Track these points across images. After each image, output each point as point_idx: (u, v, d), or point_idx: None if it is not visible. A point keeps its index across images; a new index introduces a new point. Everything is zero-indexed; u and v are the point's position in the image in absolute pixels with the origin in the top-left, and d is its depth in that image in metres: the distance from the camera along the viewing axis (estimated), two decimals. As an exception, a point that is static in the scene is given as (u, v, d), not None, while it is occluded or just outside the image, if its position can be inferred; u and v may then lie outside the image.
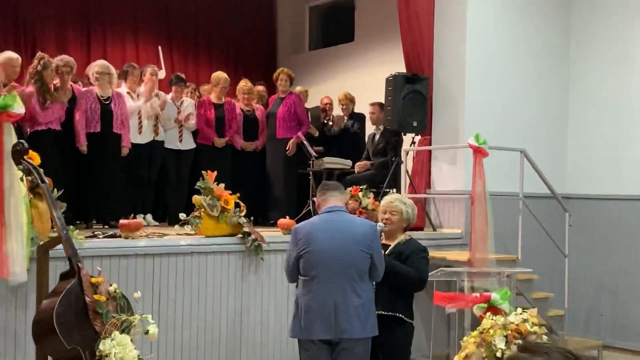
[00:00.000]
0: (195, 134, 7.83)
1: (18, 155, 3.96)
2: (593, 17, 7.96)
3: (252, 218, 5.90)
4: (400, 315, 4.30)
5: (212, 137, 7.75)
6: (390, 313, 4.26)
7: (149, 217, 7.43)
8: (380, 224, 4.46)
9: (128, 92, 7.28)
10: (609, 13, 7.82)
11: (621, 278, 7.57)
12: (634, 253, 7.48)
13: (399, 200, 4.53)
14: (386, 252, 4.35)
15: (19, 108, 4.09)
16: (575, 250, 7.49)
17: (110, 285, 3.83)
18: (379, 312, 4.21)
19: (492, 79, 7.49)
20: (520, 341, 4.74)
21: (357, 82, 9.80)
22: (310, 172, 7.90)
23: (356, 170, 7.83)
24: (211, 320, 5.58)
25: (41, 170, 4.06)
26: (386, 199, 4.63)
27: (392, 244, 4.44)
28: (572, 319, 7.54)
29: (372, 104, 8.06)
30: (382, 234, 4.50)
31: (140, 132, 7.22)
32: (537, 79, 7.89)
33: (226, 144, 7.83)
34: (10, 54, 6.33)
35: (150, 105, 7.28)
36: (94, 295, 3.69)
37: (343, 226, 4.06)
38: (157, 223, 7.43)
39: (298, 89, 8.82)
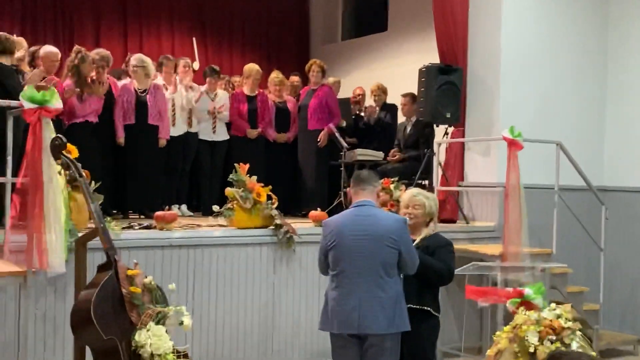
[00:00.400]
0: (228, 125, 7.90)
1: (57, 149, 4.04)
2: (632, 10, 7.79)
3: (283, 210, 5.94)
4: (429, 308, 4.31)
5: (245, 128, 7.81)
6: (419, 306, 4.27)
7: (184, 207, 7.53)
8: (404, 217, 4.45)
9: (164, 84, 7.36)
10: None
11: (658, 272, 7.47)
12: (670, 247, 7.37)
13: (421, 195, 4.51)
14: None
15: (57, 103, 4.16)
16: (611, 243, 7.39)
17: (146, 277, 3.89)
18: (408, 305, 4.21)
19: (527, 70, 7.40)
20: (553, 337, 4.73)
21: (390, 72, 9.75)
22: (342, 164, 7.90)
23: (388, 159, 7.83)
24: (244, 311, 5.65)
25: (79, 164, 4.14)
26: (408, 193, 4.61)
27: (418, 239, 4.41)
28: (607, 313, 7.46)
29: (404, 95, 8.02)
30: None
31: (173, 124, 7.31)
32: (574, 71, 7.77)
33: (259, 136, 7.88)
34: (50, 49, 6.44)
35: (185, 99, 7.36)
36: (130, 287, 3.77)
37: (368, 221, 4.06)
38: (191, 213, 7.54)
39: (331, 80, 8.81)
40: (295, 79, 8.92)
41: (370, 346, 3.99)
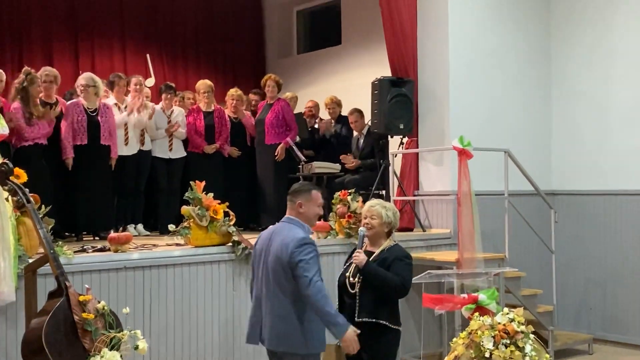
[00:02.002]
0: (185, 142, 7.89)
1: (3, 175, 4.01)
2: (572, 15, 8.03)
3: (243, 226, 5.92)
4: (385, 322, 4.30)
5: (202, 145, 7.81)
6: (375, 320, 4.26)
7: (140, 227, 7.49)
8: (362, 229, 4.49)
9: (116, 103, 7.32)
10: (588, 11, 7.90)
11: (609, 271, 7.66)
12: (619, 246, 7.57)
13: (379, 205, 4.51)
14: (370, 259, 4.38)
15: (3, 129, 4.13)
16: (562, 246, 7.59)
17: (99, 302, 3.88)
18: (363, 319, 4.25)
19: (475, 80, 7.56)
20: (507, 340, 4.82)
21: (346, 84, 9.86)
22: (300, 177, 7.96)
23: (341, 159, 7.91)
24: (203, 330, 5.63)
25: (26, 190, 4.11)
26: (367, 204, 4.61)
27: (377, 251, 4.44)
28: (561, 314, 7.64)
29: (351, 112, 8.14)
30: (366, 239, 4.53)
31: (126, 144, 7.26)
32: (520, 79, 7.97)
33: (216, 151, 7.88)
34: None
35: (137, 119, 7.32)
36: (82, 313, 3.75)
37: (273, 238, 4.14)
38: (148, 233, 7.50)
39: (288, 94, 8.88)
40: (253, 97, 8.95)
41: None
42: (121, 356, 3.72)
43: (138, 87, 7.49)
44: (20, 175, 4.46)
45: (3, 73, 6.46)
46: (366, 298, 4.27)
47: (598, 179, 7.75)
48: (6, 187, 4.07)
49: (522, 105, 7.97)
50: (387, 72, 7.71)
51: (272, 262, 4.03)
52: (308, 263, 3.93)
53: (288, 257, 3.94)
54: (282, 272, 3.98)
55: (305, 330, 3.98)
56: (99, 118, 6.84)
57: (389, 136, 7.63)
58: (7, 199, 4.16)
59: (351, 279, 4.36)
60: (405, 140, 7.68)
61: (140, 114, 7.35)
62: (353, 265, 4.39)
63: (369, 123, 7.72)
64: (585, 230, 7.84)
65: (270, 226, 4.37)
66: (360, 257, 4.31)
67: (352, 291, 4.33)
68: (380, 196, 7.49)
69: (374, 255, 4.42)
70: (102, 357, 3.65)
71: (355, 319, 4.27)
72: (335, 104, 8.78)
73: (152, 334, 5.22)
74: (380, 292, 4.30)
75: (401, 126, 7.34)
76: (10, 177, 4.08)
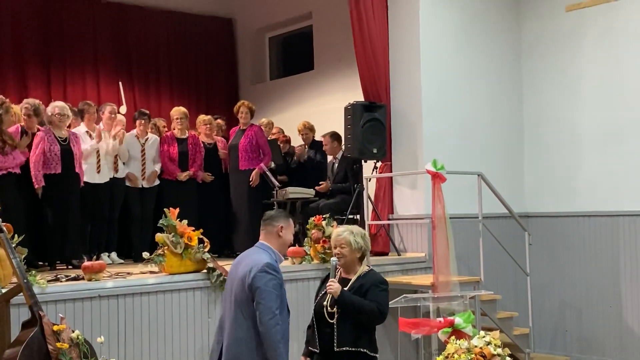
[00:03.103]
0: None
1: (-25, 205, 3.96)
2: (542, 40, 8.20)
3: (218, 252, 5.88)
4: (365, 350, 4.28)
5: (175, 172, 7.78)
6: (354, 349, 4.24)
7: (114, 255, 7.42)
8: (333, 259, 4.47)
9: (87, 131, 7.27)
10: (558, 35, 8.07)
11: (583, 293, 7.74)
12: (593, 267, 7.66)
13: (346, 231, 4.47)
14: (347, 287, 4.37)
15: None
16: (536, 268, 7.66)
17: (73, 331, 3.83)
18: (343, 348, 4.23)
19: (447, 104, 7.66)
20: (484, 363, 4.84)
21: (319, 109, 9.92)
22: (275, 202, 7.96)
23: (317, 188, 7.93)
24: (178, 358, 5.56)
25: (-1, 219, 4.07)
26: (334, 232, 4.59)
27: (353, 278, 4.42)
28: (538, 336, 7.68)
29: (324, 136, 8.20)
30: (339, 268, 4.50)
31: (98, 172, 7.21)
32: (492, 103, 8.10)
33: (190, 178, 7.86)
34: None
35: (108, 147, 7.26)
36: (57, 343, 3.70)
37: (242, 262, 4.18)
38: (122, 261, 7.43)
39: (264, 120, 8.92)
40: (220, 122, 8.96)
41: None
42: (96, 386, 3.67)
43: (112, 115, 7.45)
44: (-7, 205, 4.41)
45: None
46: (345, 327, 4.26)
47: (570, 201, 7.86)
48: (-22, 217, 4.02)
49: (495, 128, 8.09)
50: (360, 97, 7.78)
51: (236, 285, 4.07)
52: (268, 290, 3.95)
53: (250, 281, 3.97)
54: (243, 294, 4.01)
55: (260, 354, 3.97)
56: (71, 146, 6.79)
57: (363, 160, 7.68)
58: (-21, 229, 4.11)
59: (329, 308, 4.33)
60: (379, 164, 7.73)
61: (111, 140, 7.29)
62: (330, 295, 4.36)
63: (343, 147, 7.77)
64: (559, 252, 7.93)
65: (244, 251, 4.38)
66: (334, 287, 4.29)
67: (331, 321, 4.31)
68: (354, 221, 7.53)
69: (350, 283, 4.40)
70: (77, 387, 3.60)
71: (335, 348, 4.26)
72: (308, 129, 8.84)
73: (127, 363, 5.15)
74: (358, 321, 4.28)
75: (374, 150, 7.40)
76: (-18, 207, 4.02)
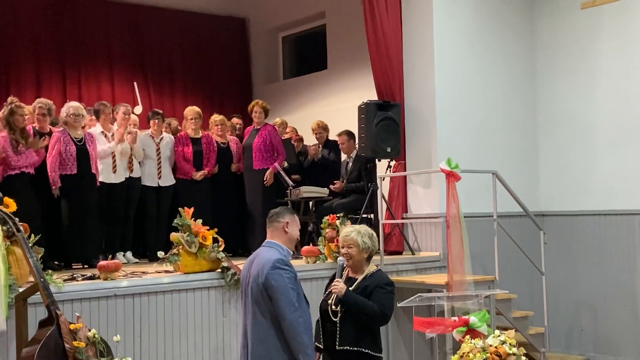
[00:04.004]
0: (174, 169, 7.89)
1: (-8, 205, 4.00)
2: (556, 39, 8.16)
3: (232, 251, 5.90)
4: (367, 350, 4.28)
5: (190, 172, 7.81)
6: (356, 349, 4.25)
7: (129, 254, 7.46)
8: (340, 258, 4.49)
9: (102, 132, 7.31)
10: (572, 32, 8.02)
11: (599, 292, 7.69)
12: (608, 266, 7.61)
13: (354, 232, 4.48)
14: (352, 287, 4.37)
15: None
16: (552, 267, 7.62)
17: (89, 330, 3.86)
18: (345, 347, 4.24)
19: (461, 102, 7.63)
20: (499, 362, 4.82)
21: (332, 108, 9.93)
22: (289, 202, 7.97)
23: (331, 187, 7.93)
24: (193, 356, 5.58)
25: (16, 219, 4.10)
26: (342, 232, 4.60)
27: (359, 278, 4.43)
28: (553, 336, 7.63)
29: (340, 135, 8.19)
30: (346, 267, 4.50)
31: (114, 172, 7.24)
32: (506, 101, 8.06)
33: (204, 178, 7.89)
34: None
35: (123, 147, 7.30)
36: (73, 342, 3.73)
37: (254, 261, 4.20)
38: (137, 260, 7.46)
39: (277, 120, 8.93)
40: (237, 121, 8.99)
41: None
42: (112, 384, 3.70)
43: (126, 115, 7.49)
44: (10, 205, 4.45)
45: None
46: (347, 326, 4.27)
47: (586, 199, 7.81)
48: (-5, 217, 4.06)
49: (509, 126, 8.05)
50: (373, 96, 7.77)
51: (251, 286, 4.08)
52: (284, 285, 3.97)
53: (264, 279, 3.99)
54: (259, 294, 4.02)
55: (286, 352, 3.99)
56: (87, 146, 6.84)
57: (377, 159, 7.67)
58: (-4, 228, 4.15)
59: (333, 307, 4.35)
60: (392, 163, 7.72)
61: (126, 142, 7.32)
62: (335, 294, 4.37)
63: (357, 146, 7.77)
64: (574, 251, 7.88)
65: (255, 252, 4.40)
66: (339, 287, 4.31)
67: (334, 319, 4.32)
68: (368, 220, 7.52)
69: (356, 283, 4.41)
70: (93, 385, 3.63)
71: (337, 347, 4.27)
72: (322, 128, 8.84)
73: (143, 361, 5.18)
74: (361, 321, 4.28)
75: (388, 149, 7.39)
76: (0, 206, 4.06)
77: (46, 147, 6.66)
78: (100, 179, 7.08)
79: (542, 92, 8.29)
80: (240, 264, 5.93)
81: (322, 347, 4.40)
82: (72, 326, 3.79)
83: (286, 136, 8.90)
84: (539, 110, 8.31)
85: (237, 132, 8.83)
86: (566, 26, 8.08)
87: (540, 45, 8.31)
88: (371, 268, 4.47)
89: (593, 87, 7.82)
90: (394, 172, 7.68)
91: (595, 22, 7.80)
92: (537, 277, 7.28)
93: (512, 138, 8.06)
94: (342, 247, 4.49)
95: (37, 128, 6.72)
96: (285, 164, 8.30)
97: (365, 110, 7.39)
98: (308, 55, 11.61)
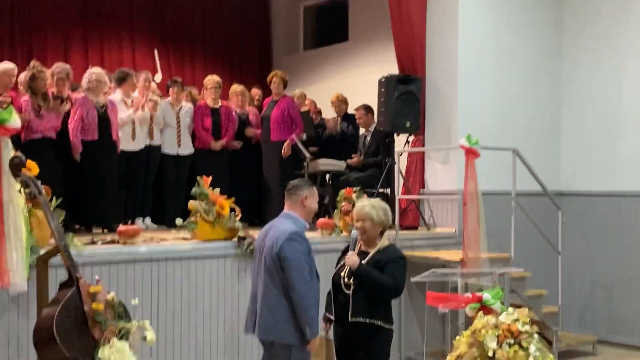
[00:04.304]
0: (193, 138, 7.92)
1: (16, 168, 4.05)
2: (584, 15, 8.03)
3: (248, 221, 5.95)
4: (379, 322, 4.31)
5: (209, 141, 7.84)
6: (368, 321, 4.28)
7: (148, 220, 7.54)
8: (354, 231, 4.50)
9: (122, 99, 7.34)
10: (600, 10, 7.90)
11: (615, 273, 7.67)
12: (627, 248, 7.58)
13: (368, 206, 4.48)
14: (365, 260, 4.39)
15: (15, 122, 4.16)
16: (568, 246, 7.59)
17: (108, 293, 3.91)
18: (357, 319, 4.28)
19: (484, 78, 7.57)
20: (511, 340, 4.85)
21: (353, 82, 9.87)
22: (305, 174, 7.98)
23: (348, 162, 7.93)
24: (208, 322, 5.67)
25: (38, 182, 4.15)
26: (357, 206, 4.59)
27: (371, 252, 4.44)
28: (566, 315, 7.64)
29: (357, 109, 8.16)
30: (359, 240, 4.51)
31: (133, 139, 7.28)
32: (530, 78, 7.97)
33: (223, 148, 7.91)
34: (5, 65, 6.44)
35: (142, 115, 7.32)
36: (93, 304, 3.78)
37: (269, 233, 4.22)
38: (156, 226, 7.54)
39: (296, 92, 8.90)
40: (256, 91, 8.98)
41: (268, 352, 4.21)
42: (130, 346, 3.76)
43: (147, 83, 7.51)
44: (32, 168, 4.49)
45: (15, 68, 6.51)
46: (360, 299, 4.29)
47: (607, 180, 7.75)
48: (18, 179, 4.11)
49: (532, 104, 7.97)
50: (394, 70, 7.73)
51: (265, 254, 4.11)
52: (297, 258, 3.99)
53: (278, 249, 4.01)
54: (272, 263, 4.05)
55: (294, 321, 4.03)
56: (108, 113, 6.88)
57: (395, 134, 7.65)
58: (19, 191, 4.21)
59: (346, 279, 4.37)
60: (411, 138, 7.70)
61: (144, 110, 7.34)
62: (347, 266, 4.40)
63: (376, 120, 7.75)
64: (592, 232, 7.84)
65: (270, 221, 4.42)
66: (352, 259, 4.33)
67: (347, 292, 4.35)
68: (385, 195, 7.53)
69: (368, 256, 4.42)
70: (111, 347, 3.69)
71: (349, 319, 4.30)
72: (341, 101, 8.80)
73: (160, 325, 5.26)
74: (373, 294, 4.31)
75: (407, 124, 7.37)
76: (22, 170, 4.11)
77: (67, 112, 6.71)
78: (120, 146, 7.12)
79: (567, 70, 8.18)
80: (256, 234, 5.98)
81: (333, 318, 4.44)
82: (91, 289, 3.83)
83: (305, 108, 8.88)
84: (563, 87, 8.21)
85: (256, 103, 8.82)
86: (595, 2, 7.94)
87: (567, 20, 8.18)
88: (384, 242, 4.48)
89: (620, 66, 7.71)
90: (413, 147, 7.65)
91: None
92: (553, 257, 7.27)
93: (534, 115, 7.99)
94: (357, 221, 4.50)
95: (55, 93, 6.74)
96: (305, 137, 8.30)
97: (386, 84, 7.36)
98: (329, 27, 11.52)
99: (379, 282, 4.27)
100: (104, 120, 6.82)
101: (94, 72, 6.94)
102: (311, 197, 4.28)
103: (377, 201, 4.59)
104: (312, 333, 4.03)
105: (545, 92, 8.11)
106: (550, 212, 7.28)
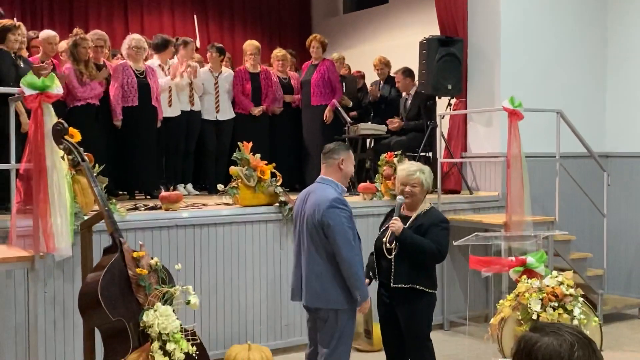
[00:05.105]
0: (234, 104, 7.94)
1: (58, 134, 4.10)
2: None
3: (289, 186, 5.95)
4: (421, 287, 4.27)
5: (249, 107, 7.84)
6: (410, 285, 4.25)
7: (190, 186, 7.60)
8: (400, 197, 4.42)
9: (160, 65, 7.36)
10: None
11: (662, 236, 7.50)
12: (674, 211, 7.39)
13: (418, 171, 4.41)
14: (407, 225, 4.35)
15: (57, 89, 4.20)
16: (614, 209, 7.44)
17: (152, 258, 3.96)
18: (399, 285, 4.26)
19: (527, 39, 7.37)
20: (556, 303, 4.79)
21: (393, 44, 9.73)
22: (346, 139, 7.93)
23: (388, 123, 7.85)
24: (251, 288, 5.74)
25: (81, 149, 4.20)
26: (404, 170, 4.48)
27: (413, 216, 4.39)
28: (612, 278, 7.52)
29: (396, 72, 8.03)
30: (403, 206, 4.46)
31: (170, 106, 7.29)
32: (574, 38, 7.74)
33: (263, 113, 7.91)
34: (47, 33, 6.52)
35: (179, 84, 7.32)
36: (136, 269, 3.84)
37: (309, 198, 4.14)
38: (197, 192, 7.61)
39: (335, 55, 8.81)
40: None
41: (314, 318, 4.17)
42: (174, 310, 3.81)
43: (190, 50, 7.50)
44: (75, 135, 4.55)
45: (56, 35, 6.58)
46: (402, 264, 4.27)
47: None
48: (61, 146, 4.17)
49: (576, 64, 7.75)
50: (435, 31, 7.58)
51: (307, 222, 4.07)
52: (341, 224, 3.95)
53: (320, 217, 3.97)
54: (315, 231, 4.02)
55: (340, 287, 4.01)
56: (148, 79, 6.92)
57: (437, 97, 7.53)
58: (62, 158, 4.27)
59: (388, 244, 4.34)
60: (453, 101, 7.57)
61: (183, 78, 7.35)
62: (390, 231, 4.36)
63: (417, 83, 7.63)
64: (638, 194, 7.66)
65: (307, 187, 4.40)
66: (397, 225, 4.28)
67: (389, 257, 4.32)
68: (427, 158, 7.45)
69: (410, 220, 4.37)
70: (155, 311, 3.75)
71: (392, 284, 4.29)
72: (384, 64, 8.69)
73: (202, 290, 5.34)
74: (416, 259, 4.27)
75: (449, 87, 7.24)
76: (65, 136, 4.16)
77: (107, 79, 6.77)
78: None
79: (612, 29, 7.91)
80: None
81: (373, 278, 4.44)
82: (135, 254, 3.88)
83: (343, 72, 8.81)
84: (608, 47, 7.95)
85: (293, 68, 8.75)
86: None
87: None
88: (425, 205, 4.43)
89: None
90: (455, 110, 7.53)
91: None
92: (598, 219, 7.15)
93: (579, 76, 7.77)
94: (405, 185, 4.44)
95: (92, 60, 6.79)
96: (350, 104, 8.24)
97: (427, 46, 7.22)
98: (369, -11, 11.35)
99: (422, 248, 4.23)
100: (144, 86, 6.86)
101: (134, 38, 6.98)
102: (348, 161, 4.22)
103: (424, 166, 4.53)
104: (363, 297, 4.02)
105: (590, 51, 7.87)
106: (595, 174, 7.13)
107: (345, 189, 4.28)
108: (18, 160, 4.45)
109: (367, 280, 4.44)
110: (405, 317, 4.30)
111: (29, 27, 6.99)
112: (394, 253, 4.30)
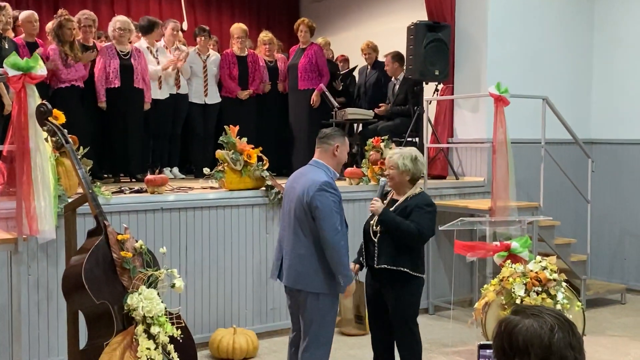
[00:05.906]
0: (220, 87, 7.90)
1: (42, 116, 4.06)
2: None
3: (276, 171, 5.95)
4: (405, 269, 4.27)
5: (235, 90, 7.81)
6: (394, 267, 4.26)
7: (176, 170, 7.57)
8: (383, 179, 4.50)
9: (148, 47, 7.31)
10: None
11: (645, 222, 7.57)
12: (658, 197, 7.45)
13: (397, 154, 4.42)
14: (393, 207, 4.37)
15: (40, 70, 4.16)
16: (598, 195, 7.50)
17: (136, 241, 3.95)
18: (383, 265, 4.28)
19: (514, 26, 7.38)
20: (539, 288, 4.84)
21: (382, 29, 9.67)
22: (333, 123, 7.93)
23: (375, 110, 7.85)
24: (237, 270, 5.74)
25: (65, 130, 4.17)
26: (388, 154, 4.57)
27: (401, 199, 4.41)
28: (595, 264, 7.60)
29: (386, 56, 8.01)
30: (391, 190, 4.49)
31: (160, 88, 7.25)
32: (560, 25, 7.75)
33: (250, 97, 7.88)
34: (25, 12, 6.48)
35: (166, 72, 7.30)
36: (121, 252, 3.83)
37: (298, 181, 4.14)
38: (183, 176, 7.58)
39: (320, 40, 8.78)
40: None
41: (295, 301, 4.16)
42: (158, 294, 3.81)
43: (175, 32, 7.45)
44: (59, 117, 4.51)
45: (35, 13, 6.52)
46: (385, 246, 4.28)
47: (638, 128, 7.58)
48: (45, 128, 4.13)
49: (562, 51, 7.78)
50: (423, 17, 7.56)
51: (295, 203, 4.06)
52: (329, 208, 3.94)
53: (309, 199, 3.96)
54: (303, 213, 4.01)
55: (323, 271, 4.01)
56: (132, 61, 6.86)
57: (424, 82, 7.53)
58: (46, 140, 4.23)
59: (374, 227, 4.36)
60: (440, 86, 7.58)
61: (178, 66, 7.31)
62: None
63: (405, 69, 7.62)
64: (622, 180, 7.72)
65: (300, 169, 4.40)
66: (376, 205, 4.30)
67: (375, 239, 4.34)
68: (413, 143, 7.46)
69: (397, 203, 4.39)
70: (140, 294, 3.74)
71: (375, 265, 4.31)
72: (371, 49, 8.64)
73: (188, 274, 5.34)
74: (398, 240, 4.28)
75: (436, 72, 7.24)
76: (49, 118, 4.13)
77: (94, 61, 6.71)
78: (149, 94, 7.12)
79: (598, 14, 7.93)
80: (284, 183, 5.98)
81: (363, 263, 4.46)
82: (119, 237, 3.87)
83: (339, 56, 8.80)
84: (595, 34, 7.98)
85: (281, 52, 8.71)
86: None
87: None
88: (414, 190, 4.44)
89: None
90: (442, 95, 7.54)
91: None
92: (582, 205, 7.20)
93: (565, 63, 7.80)
94: (387, 169, 4.49)
95: (81, 41, 6.74)
96: (340, 87, 8.21)
97: (415, 31, 7.21)
98: (357, -27, 11.27)
99: (401, 228, 4.23)
100: (127, 68, 6.80)
101: (119, 20, 6.91)
102: (342, 148, 4.22)
103: (407, 150, 4.50)
104: (346, 282, 4.03)
105: (576, 38, 7.89)
106: (580, 161, 7.18)
107: (337, 174, 4.29)
108: (1, 142, 4.42)
109: (357, 266, 4.47)
110: (392, 300, 4.31)
111: (14, 7, 6.91)
112: (378, 235, 4.32)
